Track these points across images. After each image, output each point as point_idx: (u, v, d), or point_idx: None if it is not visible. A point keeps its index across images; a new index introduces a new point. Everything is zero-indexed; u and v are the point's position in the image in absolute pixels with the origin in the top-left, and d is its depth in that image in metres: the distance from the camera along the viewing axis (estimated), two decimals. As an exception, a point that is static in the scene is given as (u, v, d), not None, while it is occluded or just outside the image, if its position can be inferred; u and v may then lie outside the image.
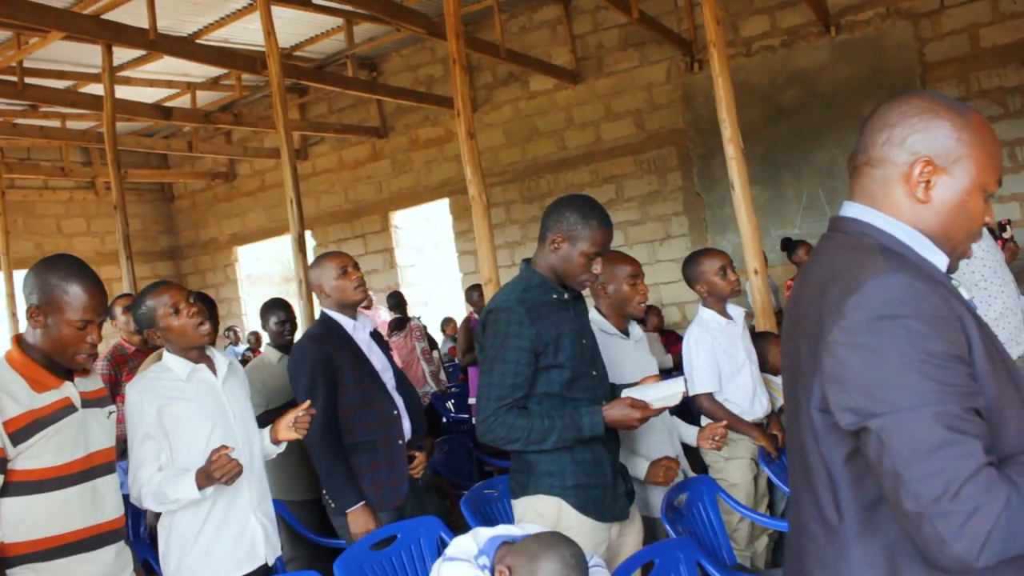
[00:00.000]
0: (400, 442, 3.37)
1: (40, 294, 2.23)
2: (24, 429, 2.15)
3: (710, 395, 3.74)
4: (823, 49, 9.23)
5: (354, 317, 3.50)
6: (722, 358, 3.77)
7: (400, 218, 12.46)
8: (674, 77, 10.07)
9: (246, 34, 9.49)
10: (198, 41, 8.96)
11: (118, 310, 5.31)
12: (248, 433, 2.93)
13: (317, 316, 3.59)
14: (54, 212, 12.35)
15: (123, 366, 5.13)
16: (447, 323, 11.08)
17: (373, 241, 12.42)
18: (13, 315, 7.97)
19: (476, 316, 7.70)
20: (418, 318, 8.30)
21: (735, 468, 3.77)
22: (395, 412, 3.39)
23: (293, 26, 9.78)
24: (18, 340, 2.28)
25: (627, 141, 10.39)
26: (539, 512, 2.56)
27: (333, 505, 3.28)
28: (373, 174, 12.32)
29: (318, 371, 3.27)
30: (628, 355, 3.26)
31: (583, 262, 2.58)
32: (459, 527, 3.27)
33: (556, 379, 2.55)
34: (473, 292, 8.08)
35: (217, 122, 10.27)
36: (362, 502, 3.22)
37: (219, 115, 10.42)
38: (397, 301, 8.97)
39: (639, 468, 3.06)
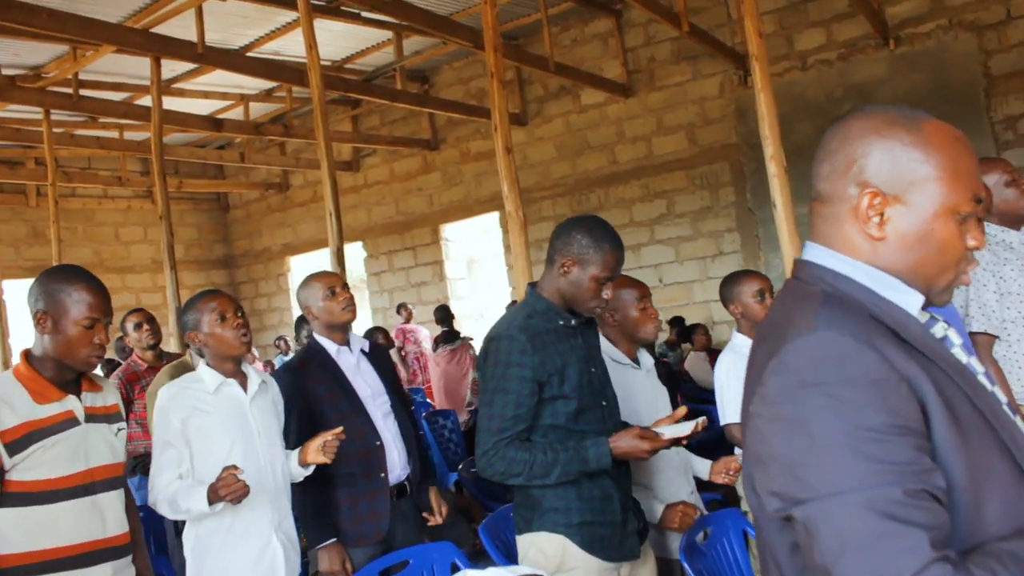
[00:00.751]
0: (382, 475, 3.24)
1: (45, 298, 2.26)
2: (21, 440, 2.15)
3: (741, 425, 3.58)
4: (881, 62, 8.96)
5: (342, 340, 3.39)
6: None
7: (450, 231, 12.43)
8: (727, 91, 9.88)
9: (296, 46, 9.53)
10: (248, 54, 9.05)
11: (129, 326, 5.29)
12: (272, 452, 2.90)
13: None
14: (112, 220, 12.59)
15: (135, 383, 5.12)
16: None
17: (423, 253, 12.40)
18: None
19: None
20: (470, 339, 8.21)
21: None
22: (378, 443, 3.25)
23: (343, 39, 9.83)
24: (26, 355, 2.30)
25: (679, 156, 10.22)
26: (542, 550, 2.43)
27: (305, 539, 3.21)
28: (424, 186, 12.32)
29: (292, 401, 3.16)
30: (640, 385, 3.11)
31: (593, 287, 2.45)
32: (483, 552, 3.17)
33: (562, 410, 2.42)
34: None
35: (267, 134, 10.36)
36: (333, 539, 3.13)
37: (269, 127, 10.51)
38: (444, 315, 8.93)
39: (654, 512, 2.92)
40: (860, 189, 1.17)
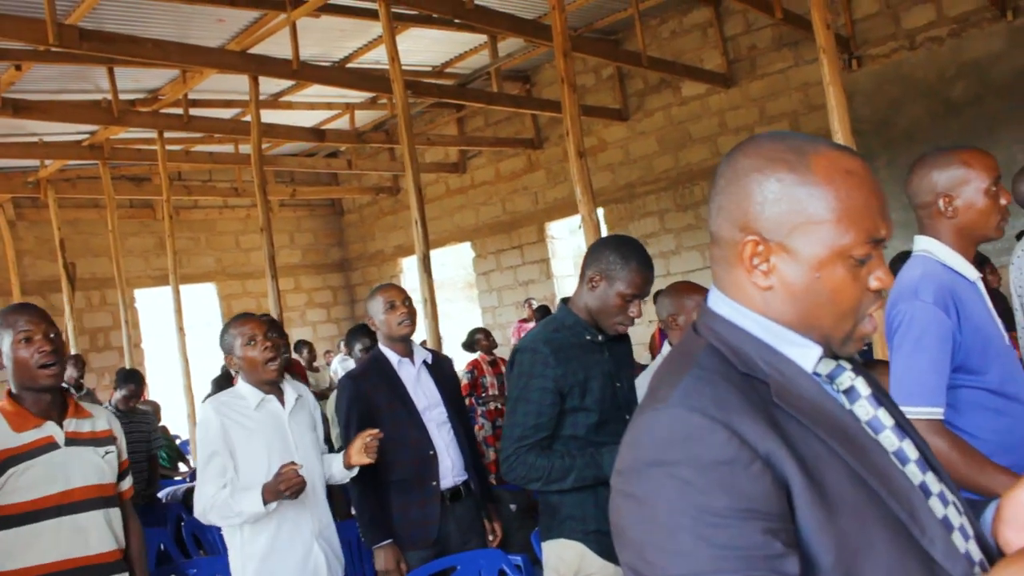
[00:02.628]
0: (434, 483, 3.35)
1: None
2: None
3: None
4: (998, 36, 8.46)
5: (404, 352, 3.52)
6: None
7: (556, 228, 12.48)
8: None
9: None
10: (349, 65, 9.33)
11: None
12: (310, 463, 3.04)
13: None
14: (233, 229, 13.23)
15: None
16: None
17: (530, 252, 12.50)
18: (181, 329, 8.56)
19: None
20: None
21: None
22: (431, 452, 3.37)
23: (442, 44, 9.99)
24: (8, 392, 2.48)
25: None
26: (561, 557, 2.52)
27: (363, 539, 3.36)
28: (529, 185, 12.41)
29: (352, 409, 3.36)
30: None
31: (619, 303, 2.51)
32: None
33: (582, 422, 2.50)
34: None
35: (369, 141, 10.67)
36: (389, 540, 3.26)
37: (371, 135, 10.82)
38: (544, 314, 9.00)
39: None
40: (743, 235, 1.08)
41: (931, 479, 1.09)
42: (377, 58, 9.78)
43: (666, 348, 3.36)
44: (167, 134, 9.01)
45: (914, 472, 1.08)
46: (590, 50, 8.42)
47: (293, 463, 2.74)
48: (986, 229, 2.17)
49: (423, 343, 4.70)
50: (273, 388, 3.08)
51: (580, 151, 5.55)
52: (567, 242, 12.80)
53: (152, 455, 5.60)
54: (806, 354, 1.08)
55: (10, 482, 2.33)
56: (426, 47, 9.97)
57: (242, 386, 3.06)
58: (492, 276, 13.08)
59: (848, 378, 1.11)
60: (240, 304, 12.80)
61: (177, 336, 8.50)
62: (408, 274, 14.34)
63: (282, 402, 3.07)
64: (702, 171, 10.59)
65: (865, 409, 1.10)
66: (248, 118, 9.84)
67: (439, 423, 3.46)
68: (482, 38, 9.81)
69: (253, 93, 7.41)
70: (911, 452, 1.09)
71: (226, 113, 9.67)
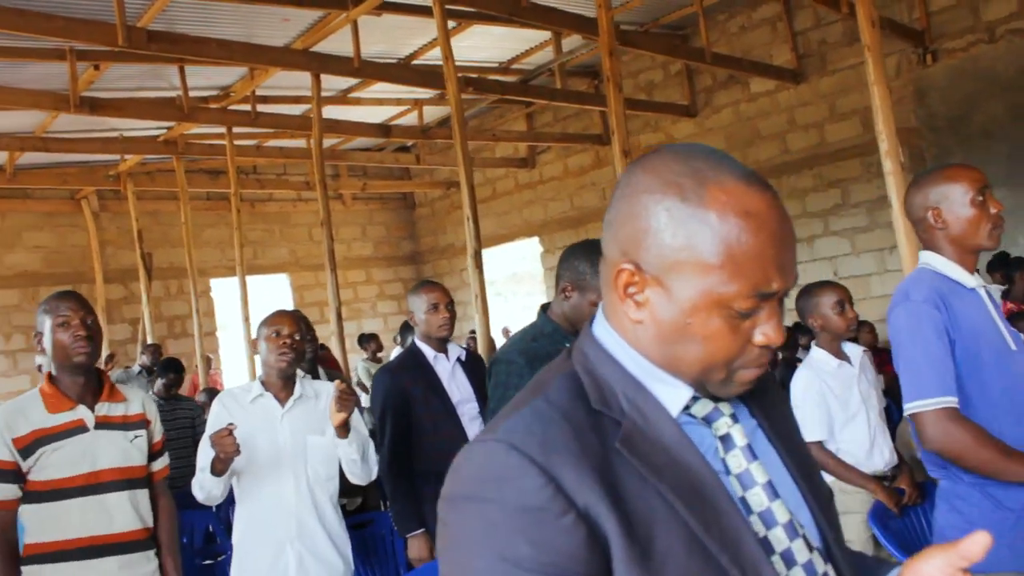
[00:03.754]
0: None
1: (37, 327, 2.65)
2: (30, 445, 2.50)
3: (819, 444, 3.46)
4: (1082, 30, 8.11)
5: (439, 348, 3.60)
6: (833, 404, 3.47)
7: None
8: (905, 71, 9.26)
9: (459, 51, 9.89)
10: (414, 62, 9.46)
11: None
12: (300, 463, 3.04)
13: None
14: (306, 221, 13.54)
15: None
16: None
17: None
18: (247, 319, 8.84)
19: None
20: None
21: (850, 524, 3.45)
22: (464, 444, 3.44)
23: (507, 41, 10.05)
24: (48, 374, 2.66)
25: (853, 142, 9.69)
26: None
27: (396, 529, 3.44)
28: (597, 181, 12.38)
29: (388, 400, 3.45)
30: None
31: (593, 312, 2.49)
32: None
33: None
34: None
35: (435, 137, 10.80)
36: (422, 529, 3.33)
37: (437, 130, 10.94)
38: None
39: None
40: (622, 259, 0.98)
41: (799, 547, 0.99)
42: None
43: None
44: (237, 129, 9.29)
45: (779, 538, 0.98)
46: (651, 47, 8.37)
47: (229, 425, 2.76)
48: (978, 238, 2.24)
49: (472, 335, 4.80)
50: (284, 385, 3.12)
51: (625, 150, 5.55)
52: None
53: (198, 440, 5.78)
54: (675, 394, 0.99)
55: (41, 460, 2.51)
56: (492, 43, 10.04)
57: (254, 382, 3.19)
58: (559, 272, 13.10)
59: (725, 424, 1.01)
60: (313, 295, 13.13)
61: (243, 325, 8.77)
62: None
63: (281, 400, 3.09)
64: (770, 169, 10.40)
65: (738, 461, 1.00)
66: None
67: (471, 417, 3.54)
68: (547, 34, 9.84)
69: (315, 90, 7.61)
70: (781, 515, 0.99)
71: (294, 109, 9.90)
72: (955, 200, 2.24)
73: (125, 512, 2.63)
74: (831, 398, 3.46)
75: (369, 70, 7.75)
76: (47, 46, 7.18)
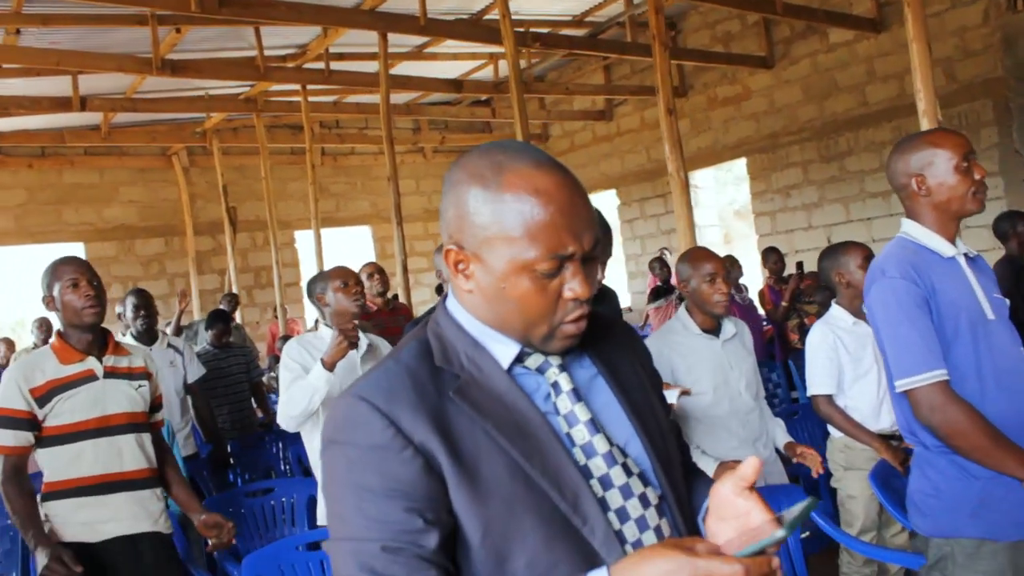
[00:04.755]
0: None
1: (44, 288, 2.89)
2: (46, 394, 2.77)
3: (828, 398, 3.52)
4: None
5: None
6: (845, 360, 3.51)
7: (699, 177, 12.33)
8: (993, 18, 8.88)
9: (532, 5, 9.94)
10: (485, 17, 9.55)
11: (364, 275, 6.09)
12: None
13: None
14: (386, 174, 13.78)
15: (368, 320, 5.91)
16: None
17: (673, 201, 12.42)
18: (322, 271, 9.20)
19: (771, 285, 7.46)
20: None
21: (854, 479, 3.52)
22: None
23: (582, -7, 10.06)
24: (58, 332, 2.93)
25: (936, 94, 9.35)
26: None
27: None
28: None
29: None
30: (713, 355, 3.21)
31: None
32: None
33: None
34: (770, 255, 7.79)
35: (506, 91, 10.85)
36: None
37: (508, 84, 10.99)
38: (661, 266, 8.91)
39: (706, 467, 3.03)
40: (450, 241, 1.17)
41: (617, 472, 1.16)
42: (515, 9, 9.97)
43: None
44: (312, 86, 9.59)
45: (598, 465, 1.16)
46: (718, -1, 8.25)
47: (349, 324, 3.09)
48: (962, 203, 2.21)
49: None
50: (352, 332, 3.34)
51: (669, 108, 5.60)
52: (711, 191, 12.64)
53: (256, 383, 6.11)
54: (505, 350, 1.18)
55: (57, 407, 2.78)
56: (564, -2, 10.06)
57: (323, 329, 3.43)
58: (636, 224, 13.11)
59: (553, 373, 1.19)
60: (392, 246, 13.46)
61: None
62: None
63: (355, 347, 3.31)
64: (848, 121, 10.18)
65: (564, 403, 1.18)
66: (393, 71, 10.36)
67: None
68: (618, -14, 9.79)
69: (383, 48, 7.81)
70: (600, 446, 1.17)
71: (369, 66, 10.13)
72: (939, 166, 2.21)
73: (134, 452, 2.89)
74: (843, 354, 3.50)
75: (435, 28, 7.90)
76: (130, 12, 7.54)
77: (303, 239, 12.82)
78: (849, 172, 10.24)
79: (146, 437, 2.97)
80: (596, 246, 1.15)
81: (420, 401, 1.12)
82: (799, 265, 7.48)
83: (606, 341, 1.30)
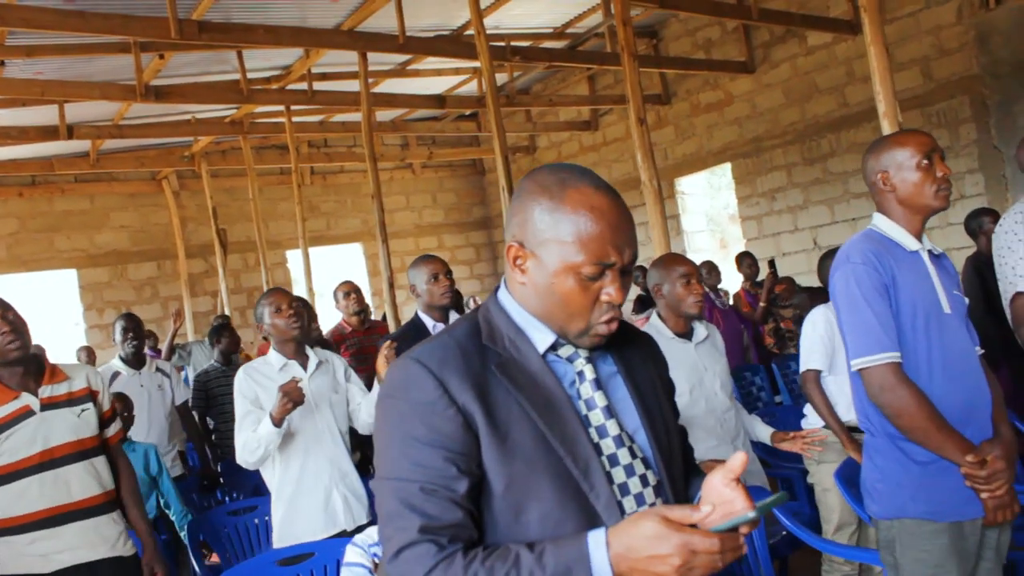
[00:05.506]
0: None
1: None
2: None
3: (815, 375, 3.59)
4: None
5: (441, 318, 3.90)
6: (839, 344, 3.59)
7: (685, 184, 12.41)
8: (966, 16, 8.98)
9: (511, 19, 10.03)
10: (467, 32, 9.64)
11: (340, 294, 6.15)
12: (329, 420, 3.48)
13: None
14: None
15: (341, 344, 5.95)
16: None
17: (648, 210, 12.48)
18: (310, 290, 9.28)
19: (747, 289, 7.57)
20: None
21: (827, 473, 3.57)
22: None
23: (561, 6, 10.12)
24: None
25: (913, 93, 9.46)
26: None
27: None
28: (658, 141, 12.31)
29: None
30: (688, 358, 3.29)
31: None
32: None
33: None
34: (744, 259, 7.89)
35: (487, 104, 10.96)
36: None
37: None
38: (644, 275, 8.90)
39: None
40: (512, 240, 1.41)
41: (623, 453, 1.39)
42: (496, 23, 10.05)
43: (654, 317, 3.50)
44: (296, 107, 9.68)
45: (608, 445, 1.39)
46: (687, 6, 8.32)
47: (295, 378, 3.18)
48: (924, 199, 2.35)
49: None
50: (298, 354, 3.53)
51: (640, 117, 5.68)
52: (697, 198, 12.72)
53: None
54: (542, 338, 1.40)
55: None
56: (544, 9, 10.14)
57: (271, 352, 3.53)
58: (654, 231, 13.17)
59: (580, 364, 1.43)
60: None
61: (307, 296, 9.20)
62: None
63: (304, 367, 3.50)
64: (829, 123, 10.26)
65: (586, 390, 1.41)
66: (378, 89, 10.46)
67: None
68: (596, -1, 9.87)
69: (362, 68, 7.90)
70: (612, 429, 1.40)
71: (353, 85, 10.23)
72: (903, 164, 2.35)
73: (83, 480, 2.86)
74: (838, 339, 3.57)
75: (414, 45, 7.99)
76: (113, 41, 7.62)
77: (295, 258, 12.90)
78: (832, 174, 10.32)
79: (99, 461, 2.94)
80: (634, 261, 1.39)
81: (467, 370, 1.34)
82: (771, 263, 7.59)
83: (630, 347, 1.54)
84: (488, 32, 9.82)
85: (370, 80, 10.44)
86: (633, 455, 1.40)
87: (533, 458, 1.32)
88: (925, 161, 2.33)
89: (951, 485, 2.20)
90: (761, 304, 6.67)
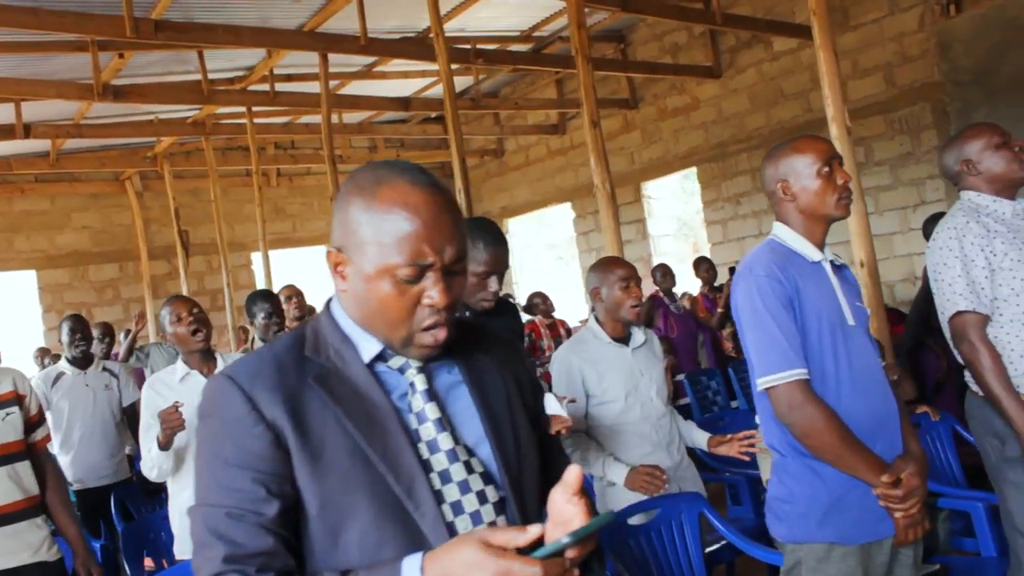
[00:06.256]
0: None
1: None
2: None
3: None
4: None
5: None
6: None
7: (652, 188, 12.44)
8: (928, 24, 9.04)
9: (478, 21, 10.00)
10: (430, 35, 9.60)
11: (282, 298, 6.04)
12: None
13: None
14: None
15: None
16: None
17: (627, 212, 12.46)
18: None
19: (705, 293, 7.54)
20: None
21: (766, 465, 3.57)
22: None
23: (528, 9, 10.12)
24: None
25: (876, 99, 9.53)
26: None
27: None
28: (625, 145, 12.40)
29: None
30: (624, 363, 3.22)
31: (475, 282, 2.63)
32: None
33: None
34: (702, 264, 7.85)
35: (456, 107, 10.92)
36: None
37: (458, 100, 11.05)
38: (663, 274, 8.48)
39: (618, 473, 3.06)
40: (331, 245, 1.33)
41: (457, 469, 1.30)
42: (462, 25, 10.02)
43: (591, 321, 3.40)
44: (257, 108, 9.61)
45: (440, 460, 1.29)
46: (652, 11, 8.33)
47: (175, 403, 3.08)
48: (825, 208, 2.25)
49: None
50: (204, 363, 3.41)
51: (594, 120, 5.69)
52: (664, 202, 12.75)
53: None
54: (369, 347, 1.32)
55: None
56: (511, 12, 10.13)
57: (178, 362, 3.45)
58: (591, 236, 13.17)
59: (411, 374, 1.33)
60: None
61: (268, 299, 9.12)
62: (514, 235, 14.65)
63: (206, 375, 3.36)
64: (794, 128, 10.28)
65: (418, 402, 1.32)
66: (344, 91, 10.41)
67: None
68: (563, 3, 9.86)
69: (323, 69, 7.84)
70: (445, 443, 1.30)
71: (317, 86, 10.19)
72: (801, 172, 2.25)
73: (4, 486, 2.81)
74: None
75: (376, 47, 7.95)
76: (69, 39, 7.53)
77: (259, 261, 12.81)
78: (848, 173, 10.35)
79: (21, 466, 2.89)
80: (459, 262, 1.28)
81: (280, 384, 1.26)
82: (731, 270, 7.59)
83: (482, 353, 1.44)
84: (454, 34, 9.86)
85: (336, 82, 10.44)
86: (470, 470, 1.30)
87: (349, 475, 1.23)
88: (825, 169, 2.23)
89: (862, 506, 2.13)
90: (719, 310, 6.68)
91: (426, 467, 1.27)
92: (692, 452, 3.56)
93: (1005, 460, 2.54)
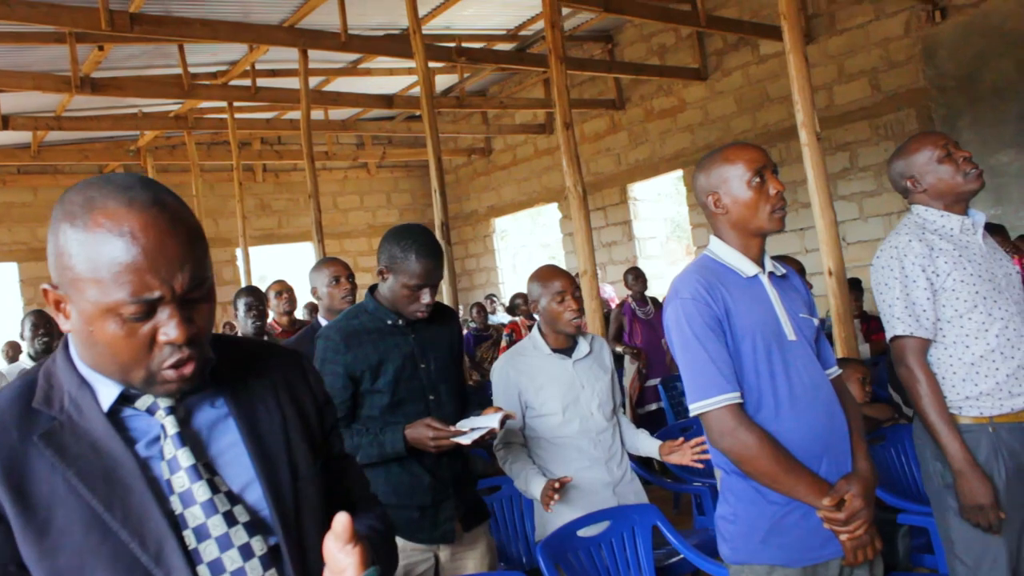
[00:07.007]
0: None
1: None
2: None
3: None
4: (1093, -16, 7.80)
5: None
6: None
7: (638, 190, 12.40)
8: (914, 30, 9.01)
9: (464, 19, 9.96)
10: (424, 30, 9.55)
11: (272, 294, 6.01)
12: None
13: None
14: (331, 190, 13.80)
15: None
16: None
17: (613, 213, 12.48)
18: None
19: (631, 302, 7.40)
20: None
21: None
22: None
23: (513, 8, 10.09)
24: None
25: (861, 104, 9.51)
26: None
27: None
28: (612, 146, 12.36)
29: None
30: (564, 375, 3.11)
31: (407, 293, 2.61)
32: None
33: (377, 403, 2.64)
34: (628, 275, 7.69)
35: (438, 106, 10.88)
36: None
37: (440, 99, 11.02)
38: (635, 277, 8.38)
39: (536, 487, 2.93)
40: (49, 283, 1.13)
41: (216, 522, 1.14)
42: (449, 23, 9.97)
43: (535, 330, 3.27)
44: (239, 103, 9.55)
45: (195, 515, 1.13)
46: (634, 11, 8.27)
47: None
48: (758, 221, 2.13)
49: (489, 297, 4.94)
50: None
51: (567, 121, 5.65)
52: (650, 204, 12.71)
53: None
54: (107, 392, 1.13)
55: None
56: (498, 10, 10.09)
57: None
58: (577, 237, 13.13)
59: (160, 416, 1.15)
60: (335, 263, 13.44)
61: (247, 296, 9.07)
62: (500, 234, 14.60)
63: None
64: (780, 132, 10.26)
65: (169, 448, 1.14)
66: (329, 87, 10.35)
67: None
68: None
69: (303, 65, 7.78)
70: (201, 494, 1.14)
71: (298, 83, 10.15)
72: (732, 183, 2.14)
73: None
74: None
75: (356, 44, 7.88)
76: (47, 30, 7.46)
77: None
78: (782, 182, 10.31)
79: None
80: (198, 288, 1.11)
81: (27, 447, 1.08)
82: None
83: (255, 378, 1.27)
84: (439, 32, 9.82)
85: (321, 78, 10.38)
86: (231, 522, 1.15)
87: (84, 550, 1.06)
88: (756, 179, 2.12)
89: (807, 527, 2.05)
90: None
91: (180, 524, 1.12)
92: (661, 463, 3.48)
93: (947, 486, 2.46)
